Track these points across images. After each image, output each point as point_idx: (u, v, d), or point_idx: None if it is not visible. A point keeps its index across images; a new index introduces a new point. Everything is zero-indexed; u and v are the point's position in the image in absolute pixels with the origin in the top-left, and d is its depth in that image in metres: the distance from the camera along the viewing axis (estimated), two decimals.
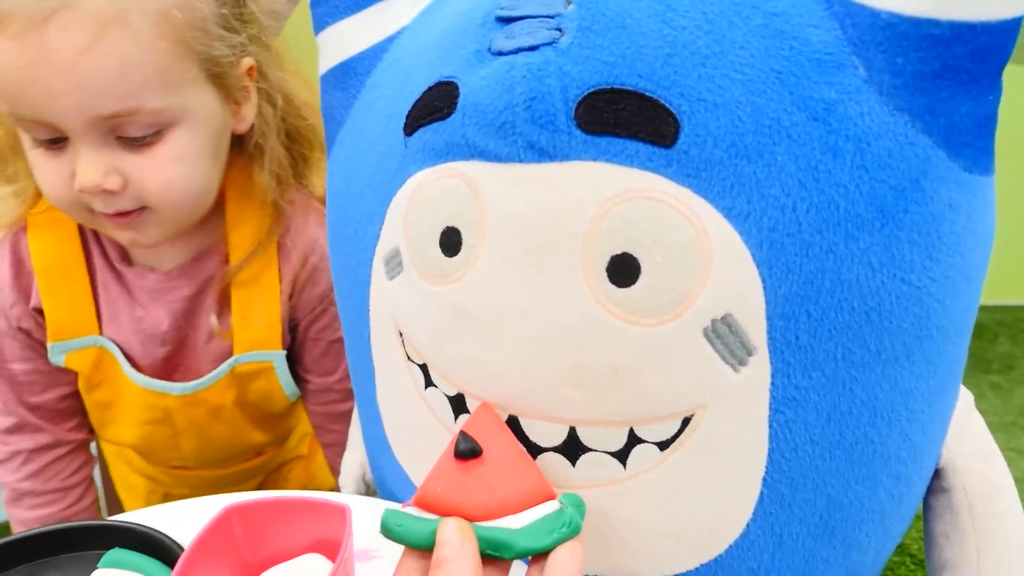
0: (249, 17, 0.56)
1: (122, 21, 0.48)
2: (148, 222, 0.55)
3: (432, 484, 0.33)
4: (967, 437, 0.38)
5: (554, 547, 0.31)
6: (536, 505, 0.33)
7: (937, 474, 0.38)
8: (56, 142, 0.51)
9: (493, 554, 0.31)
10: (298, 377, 0.67)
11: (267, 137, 0.59)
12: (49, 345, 0.63)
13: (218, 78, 0.54)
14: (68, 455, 0.69)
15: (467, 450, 0.33)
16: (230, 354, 0.63)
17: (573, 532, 0.32)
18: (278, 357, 0.64)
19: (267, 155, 0.59)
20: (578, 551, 0.31)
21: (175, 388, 0.63)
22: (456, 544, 0.30)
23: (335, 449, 0.67)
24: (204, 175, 0.55)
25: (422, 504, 0.33)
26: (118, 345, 0.63)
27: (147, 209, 0.54)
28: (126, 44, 0.48)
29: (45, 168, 0.53)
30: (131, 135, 0.51)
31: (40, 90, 0.48)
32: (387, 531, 0.32)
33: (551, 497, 0.33)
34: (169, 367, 0.64)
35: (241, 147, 0.60)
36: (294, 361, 0.67)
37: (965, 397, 0.38)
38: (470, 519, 0.32)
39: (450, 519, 0.32)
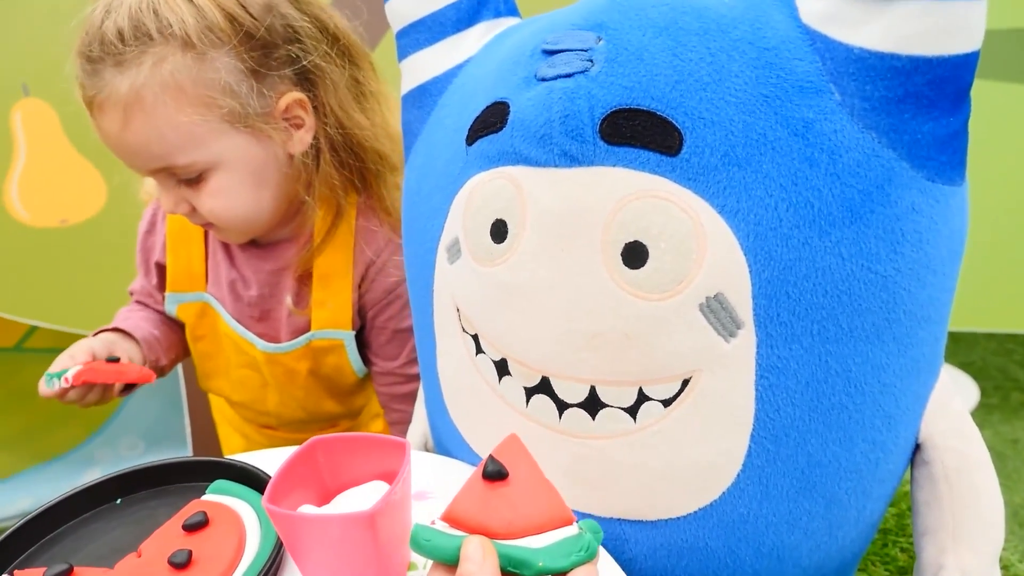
0: (277, 55, 0.63)
1: (139, 103, 0.59)
2: (222, 230, 0.68)
3: (460, 502, 0.35)
4: (946, 417, 0.42)
5: (571, 569, 0.33)
6: (556, 528, 0.34)
7: (919, 449, 0.43)
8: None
9: (513, 571, 0.33)
10: (367, 360, 0.77)
11: (321, 156, 0.68)
12: (166, 295, 0.77)
13: (248, 124, 0.62)
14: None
15: (495, 472, 0.35)
16: (308, 329, 0.73)
17: (590, 556, 0.33)
18: (348, 337, 0.74)
19: (319, 174, 0.68)
20: (594, 575, 0.33)
21: (259, 343, 0.74)
22: (478, 559, 0.32)
23: (399, 427, 0.76)
24: (247, 201, 0.65)
25: (450, 520, 0.35)
26: (219, 301, 0.75)
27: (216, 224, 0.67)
28: (146, 122, 0.59)
29: (162, 202, 0.66)
30: (182, 178, 0.63)
31: (117, 152, 0.63)
32: (416, 545, 0.34)
33: (570, 522, 0.35)
34: (256, 330, 0.75)
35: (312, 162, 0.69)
36: (363, 345, 0.76)
37: (946, 382, 0.43)
38: (493, 537, 0.34)
39: (474, 536, 0.33)
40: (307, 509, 0.40)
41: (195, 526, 0.45)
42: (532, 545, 0.34)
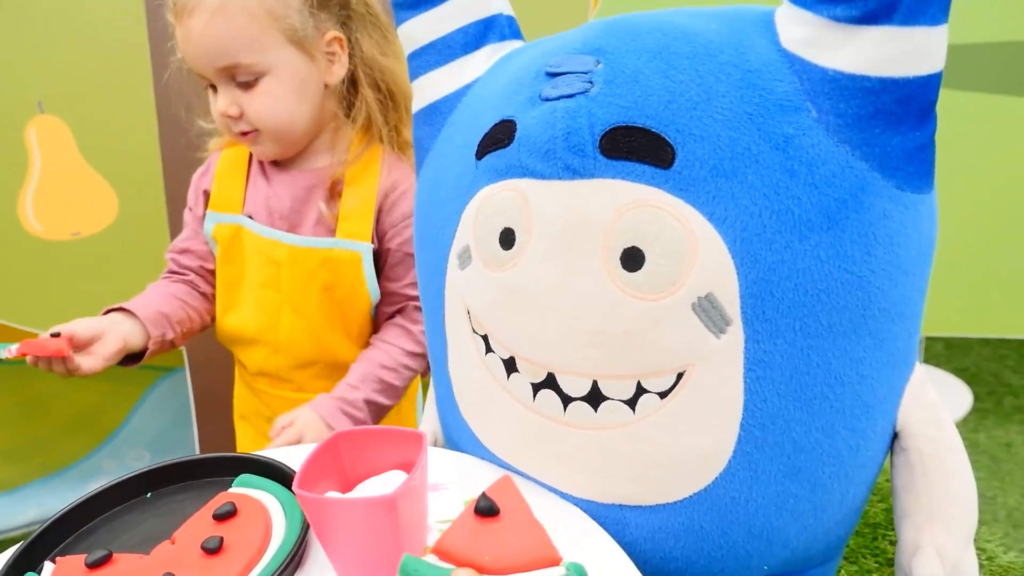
0: (330, 5, 0.82)
1: (223, 14, 0.77)
2: (261, 140, 0.83)
3: (451, 536, 0.36)
4: (921, 407, 0.46)
5: None
6: (543, 568, 0.36)
7: (897, 437, 0.47)
8: (213, 88, 0.82)
9: None
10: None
11: (361, 90, 0.86)
12: (207, 213, 0.90)
13: (300, 44, 0.80)
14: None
15: (486, 508, 0.37)
16: (333, 236, 0.86)
17: None
18: (366, 248, 0.85)
19: (358, 103, 0.87)
20: None
21: (285, 237, 0.87)
22: None
23: (364, 362, 0.86)
24: (288, 109, 0.82)
25: (440, 553, 0.36)
26: (251, 217, 0.88)
27: (258, 132, 0.82)
28: (225, 28, 0.77)
29: (212, 105, 0.83)
30: (240, 80, 0.80)
31: (191, 55, 0.79)
32: (404, 574, 0.34)
33: (557, 562, 0.36)
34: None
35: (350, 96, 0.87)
36: (378, 272, 0.87)
37: (920, 374, 0.47)
38: (481, 572, 0.34)
39: (462, 569, 0.34)
40: (333, 495, 0.43)
41: (224, 515, 0.48)
42: None
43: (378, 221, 0.86)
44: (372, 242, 0.86)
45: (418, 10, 0.55)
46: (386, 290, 0.88)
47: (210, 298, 0.94)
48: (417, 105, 0.57)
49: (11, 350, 0.76)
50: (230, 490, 0.52)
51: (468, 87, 0.54)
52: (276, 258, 0.87)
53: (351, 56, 0.85)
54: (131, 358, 0.85)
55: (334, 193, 0.86)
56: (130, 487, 0.54)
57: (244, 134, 0.83)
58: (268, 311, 0.89)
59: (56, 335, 0.77)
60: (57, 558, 0.46)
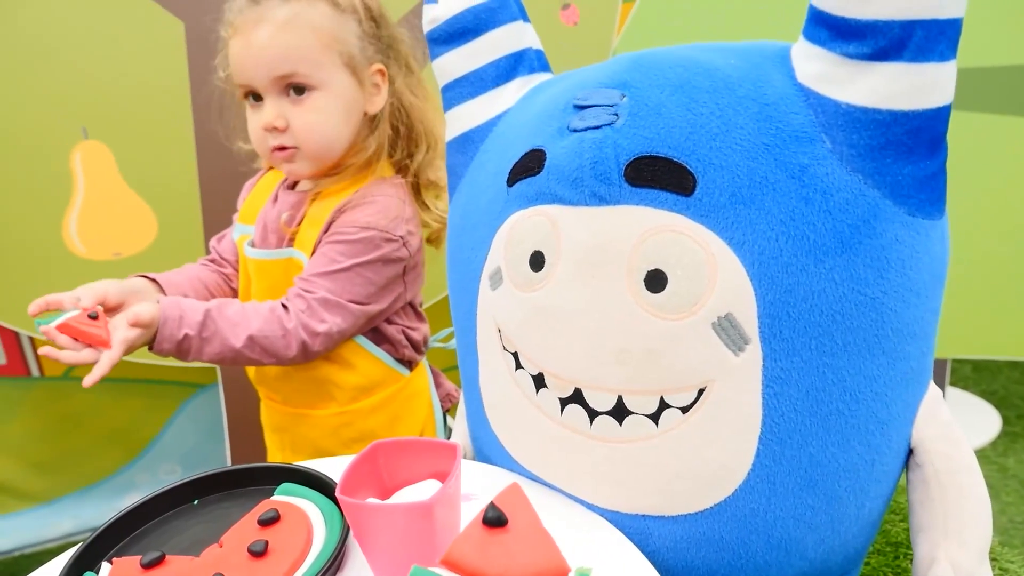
0: (381, 38, 0.88)
1: (290, 27, 0.81)
2: (299, 157, 0.85)
3: (459, 547, 0.36)
4: (936, 424, 0.48)
5: None
6: None
7: (912, 453, 0.48)
8: (257, 100, 0.85)
9: None
10: None
11: (381, 123, 0.89)
12: (236, 224, 0.95)
13: (353, 69, 0.85)
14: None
15: (495, 518, 0.36)
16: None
17: None
18: (307, 260, 0.86)
19: (375, 135, 0.89)
20: None
21: (250, 252, 0.91)
22: None
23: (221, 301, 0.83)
24: (334, 127, 0.85)
25: (448, 564, 0.36)
26: (254, 228, 0.92)
27: (297, 149, 0.84)
28: (290, 39, 0.81)
29: (251, 119, 0.86)
30: (295, 85, 0.82)
31: (249, 65, 0.83)
32: None
33: (565, 573, 0.35)
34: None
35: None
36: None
37: (935, 392, 0.48)
38: None
39: None
40: (372, 502, 0.46)
41: (269, 521, 0.50)
42: None
43: (329, 222, 0.86)
44: (310, 254, 0.86)
45: (452, 45, 0.58)
46: (297, 276, 0.86)
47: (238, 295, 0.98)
48: (451, 134, 0.60)
49: (50, 329, 0.72)
50: (273, 498, 0.55)
51: (499, 117, 0.57)
52: (249, 271, 0.92)
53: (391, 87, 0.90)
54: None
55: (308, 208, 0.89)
56: (178, 494, 0.57)
57: (282, 149, 0.85)
58: None
59: (94, 317, 0.74)
60: (113, 559, 0.49)
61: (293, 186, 0.93)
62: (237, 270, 0.99)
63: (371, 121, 0.90)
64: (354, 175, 0.89)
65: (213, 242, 1.02)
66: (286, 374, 0.91)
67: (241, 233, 0.95)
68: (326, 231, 0.85)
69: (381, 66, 0.88)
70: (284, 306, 0.83)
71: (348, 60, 0.84)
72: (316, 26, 0.82)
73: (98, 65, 1.37)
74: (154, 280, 0.89)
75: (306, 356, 0.84)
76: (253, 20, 0.82)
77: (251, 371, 0.96)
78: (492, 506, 0.37)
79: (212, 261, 1.01)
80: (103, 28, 1.36)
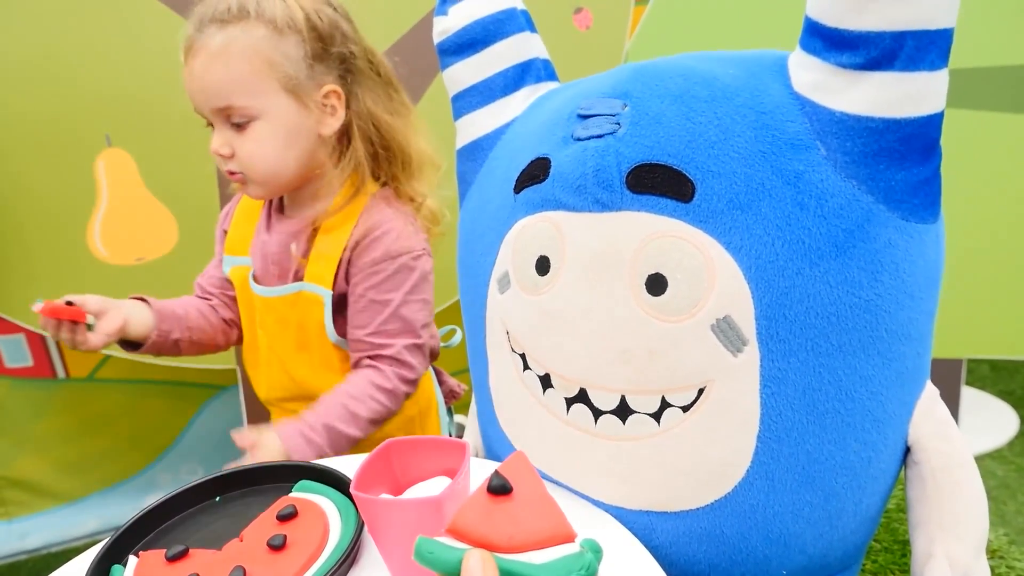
0: (331, 56, 0.85)
1: (223, 56, 0.80)
2: (249, 182, 0.86)
3: (464, 515, 0.35)
4: (931, 421, 0.49)
5: None
6: (558, 545, 0.35)
7: (909, 450, 0.50)
8: (211, 125, 0.85)
9: None
10: (343, 332, 0.91)
11: (353, 141, 0.88)
12: (224, 257, 0.96)
13: (295, 93, 0.83)
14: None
15: (499, 486, 0.36)
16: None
17: (590, 575, 0.33)
18: (327, 295, 0.88)
19: (348, 154, 0.89)
20: None
21: (257, 289, 0.92)
22: (478, 573, 0.32)
23: (331, 392, 0.86)
24: (276, 156, 0.84)
25: (453, 532, 0.35)
26: (252, 260, 0.93)
27: (244, 175, 0.84)
28: (222, 71, 0.80)
29: (211, 143, 0.85)
30: (234, 121, 0.83)
31: (192, 92, 0.83)
32: (419, 557, 0.34)
33: (572, 539, 0.35)
34: (271, 284, 0.93)
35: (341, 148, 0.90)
36: (344, 319, 0.90)
37: (932, 391, 0.50)
38: (495, 551, 0.34)
39: (475, 550, 0.34)
40: (386, 497, 0.48)
41: (287, 516, 0.53)
42: (533, 560, 0.34)
43: (349, 265, 0.88)
44: (333, 288, 0.88)
45: (462, 56, 0.60)
46: (352, 336, 0.89)
47: (230, 323, 1.00)
48: (461, 142, 0.62)
49: (39, 305, 0.82)
50: (291, 495, 0.57)
51: (507, 125, 0.59)
52: (255, 305, 0.93)
53: (348, 109, 0.88)
54: (132, 345, 0.91)
55: (311, 239, 0.89)
56: (201, 491, 0.59)
57: (232, 174, 0.86)
58: (256, 348, 0.95)
59: (70, 304, 0.83)
60: (140, 552, 0.52)
61: (281, 207, 0.94)
62: (224, 301, 1.00)
63: (337, 141, 0.89)
64: (347, 202, 0.89)
65: (198, 281, 1.02)
66: (293, 397, 0.94)
67: (233, 265, 0.95)
68: (350, 265, 0.87)
69: (334, 87, 0.86)
70: (373, 368, 0.87)
71: (288, 84, 0.82)
72: (251, 53, 0.80)
73: (121, 76, 1.40)
74: (144, 300, 0.93)
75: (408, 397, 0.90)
76: (192, 48, 0.81)
77: (261, 392, 0.99)
78: (496, 474, 0.37)
79: (197, 296, 1.02)
80: (127, 41, 1.39)
